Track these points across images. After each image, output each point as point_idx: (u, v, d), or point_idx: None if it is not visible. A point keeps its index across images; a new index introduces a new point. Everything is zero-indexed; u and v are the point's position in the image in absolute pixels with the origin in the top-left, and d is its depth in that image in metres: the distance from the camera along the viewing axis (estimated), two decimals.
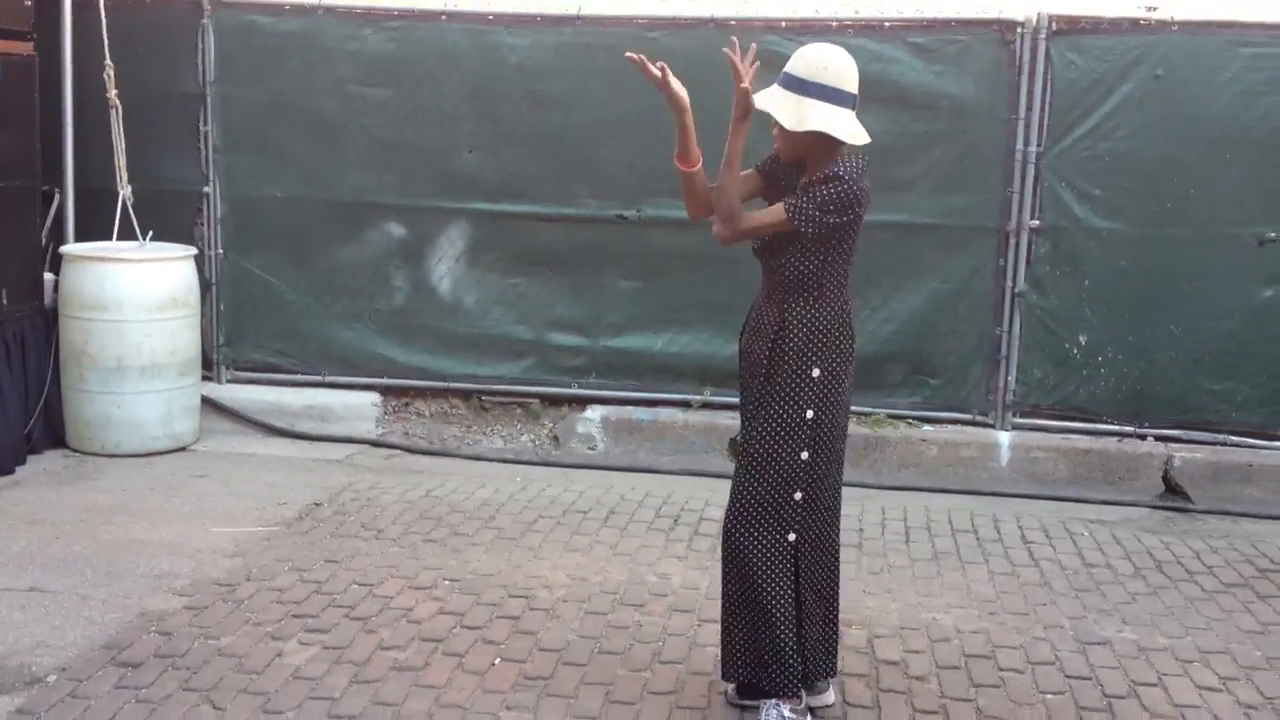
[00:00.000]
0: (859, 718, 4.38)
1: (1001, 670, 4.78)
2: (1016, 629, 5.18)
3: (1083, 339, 7.39)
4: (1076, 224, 7.31)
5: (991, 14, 7.36)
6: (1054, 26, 7.18)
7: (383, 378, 8.01)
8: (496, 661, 4.70)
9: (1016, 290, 7.40)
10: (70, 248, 7.44)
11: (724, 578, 4.32)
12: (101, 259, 7.27)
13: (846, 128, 4.00)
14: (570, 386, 7.89)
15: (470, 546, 5.93)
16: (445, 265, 7.89)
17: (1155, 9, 7.27)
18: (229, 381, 8.10)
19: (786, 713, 4.13)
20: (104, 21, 7.45)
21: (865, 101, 4.22)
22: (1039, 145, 7.28)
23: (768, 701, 4.17)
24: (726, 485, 4.35)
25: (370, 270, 7.94)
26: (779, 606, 4.13)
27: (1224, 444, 7.31)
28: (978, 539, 6.30)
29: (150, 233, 7.55)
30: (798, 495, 4.14)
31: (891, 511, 6.67)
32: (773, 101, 4.04)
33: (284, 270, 8.00)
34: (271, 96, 7.86)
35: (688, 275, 7.59)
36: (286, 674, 4.54)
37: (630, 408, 7.78)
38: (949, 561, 5.97)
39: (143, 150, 7.75)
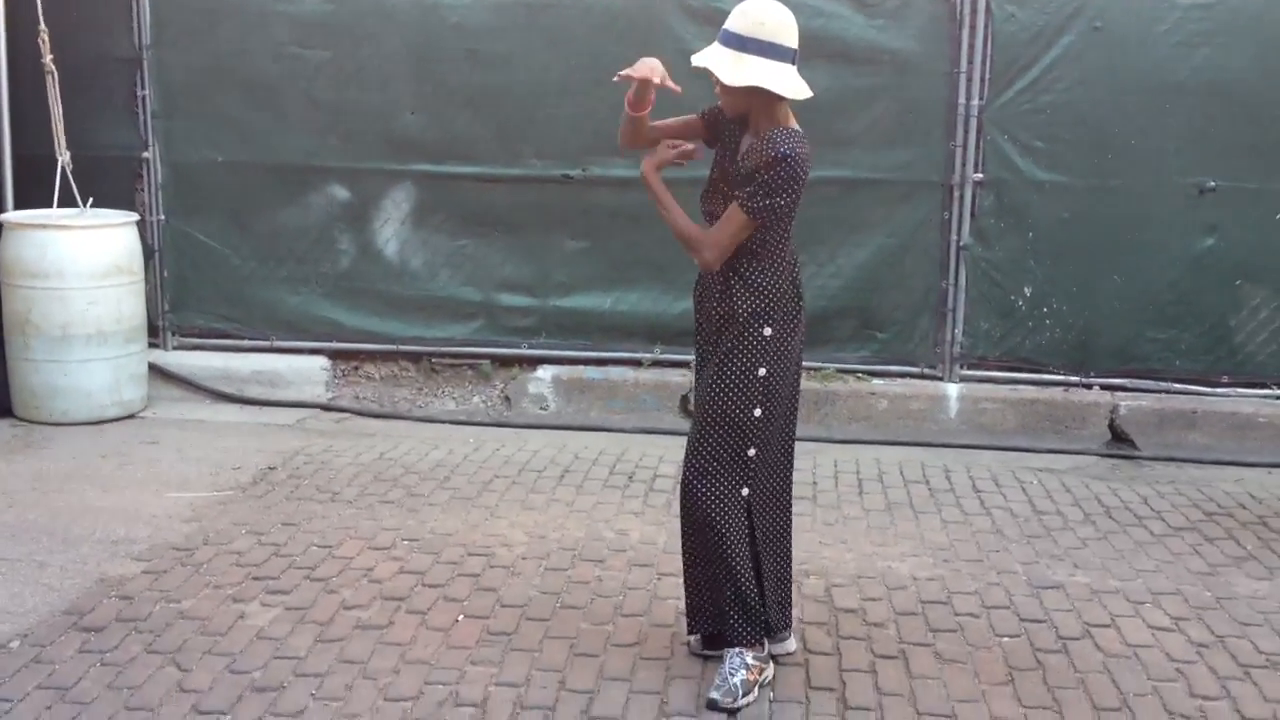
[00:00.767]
0: (820, 664, 4.43)
1: (958, 615, 4.86)
2: (971, 575, 5.25)
3: (1028, 290, 7.46)
4: (1019, 177, 7.36)
5: None
6: None
7: (331, 341, 7.95)
8: (460, 618, 4.71)
9: (961, 244, 7.45)
10: (9, 215, 7.32)
11: (684, 532, 4.36)
12: (42, 226, 7.18)
13: (786, 83, 3.97)
14: (520, 347, 7.87)
15: (427, 507, 5.93)
16: (391, 228, 7.84)
17: None
18: (175, 348, 8.01)
19: (750, 660, 4.17)
20: None
21: (807, 57, 4.23)
22: (981, 99, 7.31)
23: (731, 650, 4.20)
24: (680, 442, 4.39)
25: (315, 234, 7.87)
26: (739, 557, 4.18)
27: (1168, 391, 7.40)
28: (929, 489, 6.37)
29: (90, 199, 7.44)
30: (751, 451, 4.17)
31: (844, 464, 6.73)
32: (710, 58, 4.03)
33: (227, 235, 7.92)
34: (209, 60, 7.75)
35: (635, 234, 7.56)
36: (250, 635, 4.53)
37: (581, 367, 7.77)
38: (902, 511, 6.04)
39: (80, 116, 7.62)
